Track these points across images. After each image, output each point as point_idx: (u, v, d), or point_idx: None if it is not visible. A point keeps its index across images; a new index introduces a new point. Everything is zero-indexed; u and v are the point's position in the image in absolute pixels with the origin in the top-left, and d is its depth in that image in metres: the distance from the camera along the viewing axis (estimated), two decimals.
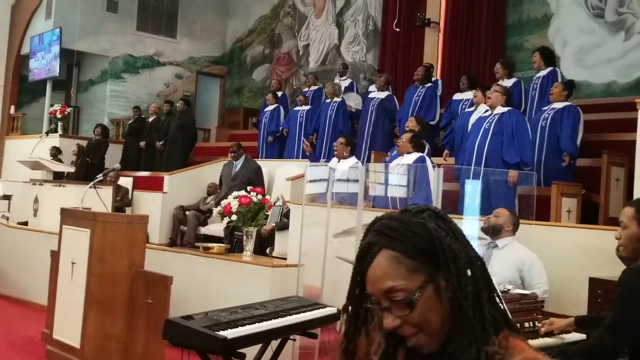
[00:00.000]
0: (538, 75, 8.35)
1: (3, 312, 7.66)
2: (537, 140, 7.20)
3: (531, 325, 3.57)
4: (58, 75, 14.78)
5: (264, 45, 16.66)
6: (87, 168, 12.43)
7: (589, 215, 6.81)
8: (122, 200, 10.86)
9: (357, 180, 5.64)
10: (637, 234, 3.00)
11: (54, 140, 13.44)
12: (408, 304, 1.33)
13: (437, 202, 4.50)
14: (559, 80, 7.90)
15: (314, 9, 15.49)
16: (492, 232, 4.90)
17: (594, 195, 7.04)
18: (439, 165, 5.97)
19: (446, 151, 8.60)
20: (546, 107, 7.43)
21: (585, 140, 7.86)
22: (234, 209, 6.03)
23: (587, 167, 7.48)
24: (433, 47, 12.15)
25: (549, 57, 8.41)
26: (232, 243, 8.68)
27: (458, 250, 1.34)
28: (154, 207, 10.86)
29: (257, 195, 6.13)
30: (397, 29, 12.70)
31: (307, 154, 10.74)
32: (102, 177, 6.20)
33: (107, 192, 8.36)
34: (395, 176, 6.95)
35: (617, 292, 2.96)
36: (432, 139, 9.45)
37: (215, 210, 6.43)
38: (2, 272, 8.45)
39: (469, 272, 1.33)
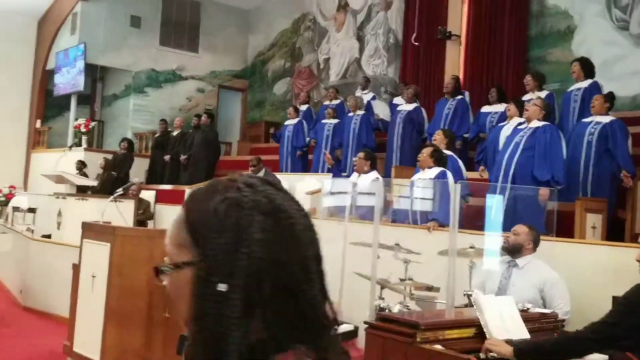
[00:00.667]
0: (578, 86, 8.03)
1: (27, 324, 7.72)
2: (583, 155, 6.93)
3: None
4: (82, 89, 14.96)
5: (285, 59, 16.73)
6: (113, 182, 12.52)
7: (615, 231, 6.68)
8: (144, 214, 10.91)
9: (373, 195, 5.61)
10: None
11: (79, 154, 13.58)
12: (157, 270, 1.15)
13: (454, 217, 4.46)
14: (602, 92, 7.63)
15: (334, 22, 15.52)
16: (513, 251, 4.84)
17: (620, 211, 6.91)
18: (455, 182, 5.91)
19: (482, 167, 8.43)
20: (589, 121, 7.11)
21: None
22: None
23: None
24: (454, 60, 12.10)
25: (589, 68, 8.11)
26: None
27: (219, 251, 1.05)
28: None
29: None
30: (416, 43, 12.65)
31: (329, 166, 10.75)
32: (122, 192, 6.23)
33: (129, 206, 8.43)
34: (415, 190, 6.92)
35: (622, 297, 3.02)
36: (465, 152, 9.44)
37: None
38: (27, 285, 8.52)
39: (221, 288, 1.03)
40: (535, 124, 6.73)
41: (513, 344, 3.27)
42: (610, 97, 7.28)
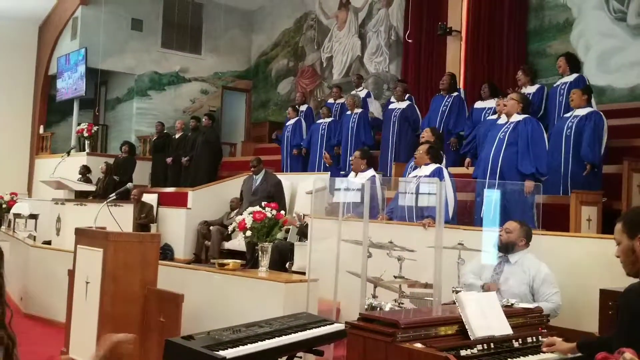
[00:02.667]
0: (564, 80, 8.18)
1: (27, 331, 7.72)
2: (563, 149, 7.06)
3: (534, 340, 3.48)
4: (85, 94, 15.00)
5: (288, 59, 16.73)
6: (114, 186, 12.53)
7: (611, 223, 6.63)
8: (146, 217, 10.93)
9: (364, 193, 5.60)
10: (629, 246, 2.97)
11: (82, 158, 13.61)
12: None
13: (440, 214, 4.43)
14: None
15: (336, 21, 15.51)
16: (506, 249, 4.82)
17: (615, 203, 6.88)
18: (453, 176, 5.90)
19: (468, 159, 8.52)
20: (569, 115, 7.27)
21: (608, 146, 7.69)
22: (248, 225, 6.01)
23: (609, 174, 7.32)
24: (455, 56, 12.06)
25: (574, 62, 8.27)
26: (254, 258, 8.67)
27: None
28: (179, 223, 10.93)
29: (271, 210, 6.10)
30: (410, 40, 12.67)
31: (327, 165, 10.74)
32: (115, 197, 6.24)
33: (128, 210, 8.45)
34: (411, 187, 6.89)
35: (620, 313, 2.92)
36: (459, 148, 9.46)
37: (230, 227, 6.42)
38: (28, 292, 8.54)
39: None
40: (516, 118, 6.80)
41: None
42: (587, 90, 7.34)
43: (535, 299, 4.48)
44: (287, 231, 8.57)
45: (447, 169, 7.09)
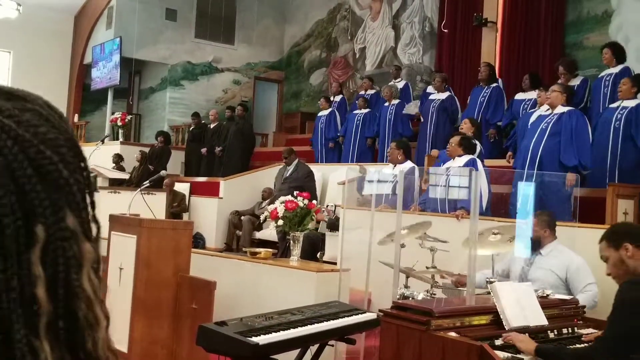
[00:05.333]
0: (609, 72, 7.94)
1: None
2: (610, 141, 6.84)
3: (570, 331, 3.43)
4: (119, 83, 15.15)
5: (321, 50, 16.70)
6: (149, 175, 12.59)
7: None
8: (179, 206, 11.00)
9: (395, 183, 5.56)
10: (617, 257, 3.08)
11: (116, 147, 13.74)
12: None
13: (475, 204, 4.39)
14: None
15: (370, 11, 15.43)
16: (536, 244, 4.76)
17: None
18: (487, 167, 5.83)
19: (509, 152, 8.39)
20: (616, 106, 7.01)
21: None
22: (280, 214, 6.02)
23: None
24: (490, 47, 11.91)
25: (620, 53, 8.04)
26: (284, 247, 8.68)
27: None
28: (210, 213, 10.99)
29: (303, 200, 6.10)
30: (445, 30, 12.55)
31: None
32: (149, 184, 6.28)
33: (161, 198, 8.51)
34: (444, 179, 6.84)
35: (613, 305, 2.96)
36: (500, 140, 9.42)
37: (262, 216, 6.44)
38: None
39: None
40: (560, 109, 6.64)
41: (538, 343, 3.21)
42: (637, 80, 7.09)
43: (571, 291, 4.41)
44: (318, 222, 8.56)
45: (480, 160, 7.02)
